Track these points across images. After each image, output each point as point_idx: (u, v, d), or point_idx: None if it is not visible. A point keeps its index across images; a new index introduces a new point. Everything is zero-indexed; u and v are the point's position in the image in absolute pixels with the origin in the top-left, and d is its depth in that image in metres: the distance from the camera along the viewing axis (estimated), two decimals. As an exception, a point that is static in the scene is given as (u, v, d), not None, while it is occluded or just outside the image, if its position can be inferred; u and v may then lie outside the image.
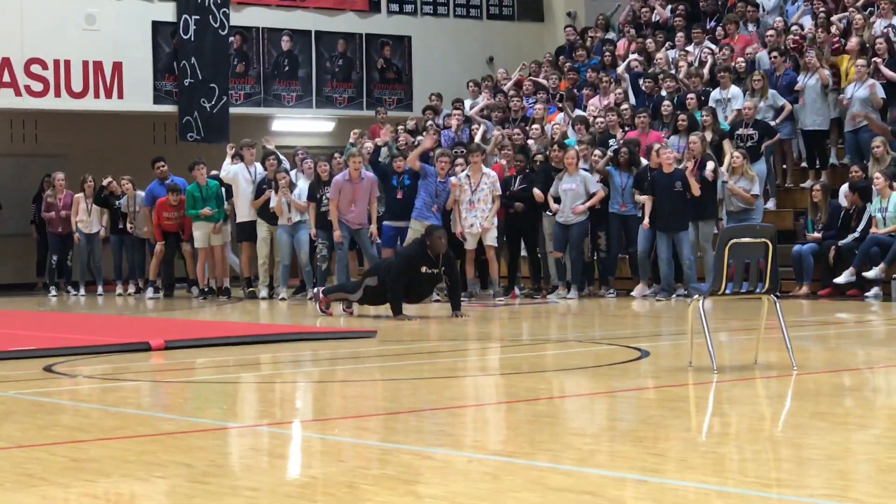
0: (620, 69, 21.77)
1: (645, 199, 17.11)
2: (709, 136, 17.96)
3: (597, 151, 18.39)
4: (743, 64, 19.77)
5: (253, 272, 20.02)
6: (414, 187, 17.95)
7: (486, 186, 17.89)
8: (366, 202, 17.66)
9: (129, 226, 21.46)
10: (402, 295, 14.45)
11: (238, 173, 19.66)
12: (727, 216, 17.40)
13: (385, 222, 18.16)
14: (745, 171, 17.21)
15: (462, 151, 19.54)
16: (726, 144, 17.97)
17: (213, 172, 20.40)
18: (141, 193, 21.43)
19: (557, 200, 18.01)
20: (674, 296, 16.85)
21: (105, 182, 21.94)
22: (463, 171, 18.23)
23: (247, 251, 19.84)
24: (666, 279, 17.12)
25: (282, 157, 20.11)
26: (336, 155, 19.81)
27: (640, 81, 21.02)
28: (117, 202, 21.68)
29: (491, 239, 17.97)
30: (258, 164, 19.75)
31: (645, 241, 17.26)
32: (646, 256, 17.48)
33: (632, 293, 17.60)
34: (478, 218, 17.85)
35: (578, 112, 20.72)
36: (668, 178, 16.89)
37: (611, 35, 24.22)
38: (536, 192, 18.06)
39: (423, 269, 14.44)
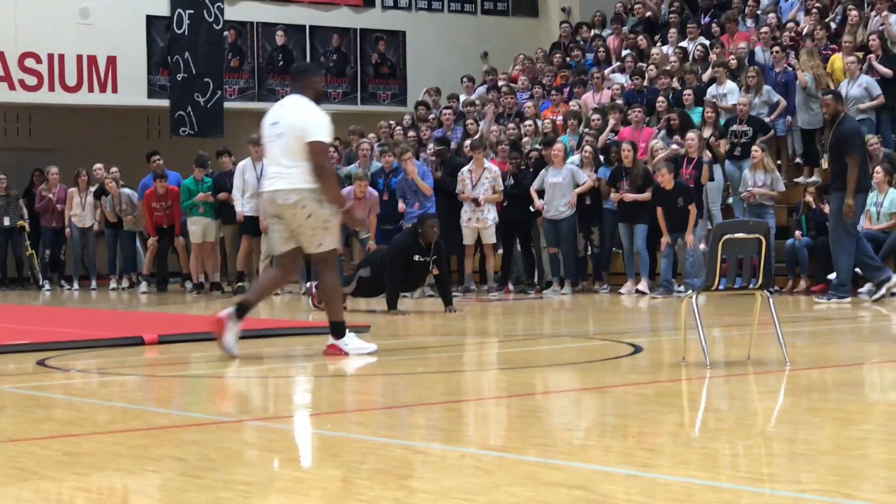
0: (608, 71, 21.74)
1: (658, 214, 16.94)
2: (708, 132, 17.95)
3: (587, 148, 18.37)
4: (738, 57, 19.76)
5: (249, 267, 20.09)
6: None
7: (486, 181, 17.92)
8: (367, 213, 17.68)
9: (124, 221, 21.47)
10: (399, 288, 14.54)
11: (245, 167, 19.65)
12: (748, 209, 17.26)
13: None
14: (766, 166, 17.17)
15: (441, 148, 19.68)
16: (722, 142, 17.97)
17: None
18: (126, 191, 21.47)
19: (542, 194, 18.02)
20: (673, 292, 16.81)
21: (99, 173, 21.91)
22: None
23: (245, 245, 19.86)
24: (665, 275, 17.10)
25: None
26: (330, 149, 19.86)
27: (627, 80, 21.07)
28: (104, 197, 21.67)
29: (489, 237, 18.01)
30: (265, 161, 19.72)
31: (641, 237, 17.27)
32: (632, 252, 17.48)
33: (621, 290, 17.56)
34: (476, 214, 17.90)
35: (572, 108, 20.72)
36: (670, 194, 16.79)
37: (604, 31, 24.23)
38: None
39: (416, 258, 14.51)
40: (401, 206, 18.09)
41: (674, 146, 17.90)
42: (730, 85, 19.17)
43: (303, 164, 9.59)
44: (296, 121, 9.65)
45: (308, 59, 25.55)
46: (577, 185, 17.85)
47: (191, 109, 23.95)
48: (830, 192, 15.13)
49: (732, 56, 19.99)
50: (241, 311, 9.83)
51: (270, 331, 12.24)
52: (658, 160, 17.30)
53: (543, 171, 18.10)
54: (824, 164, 15.52)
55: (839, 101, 15.30)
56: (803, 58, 18.94)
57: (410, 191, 17.97)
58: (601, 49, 22.85)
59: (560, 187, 17.84)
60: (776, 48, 19.66)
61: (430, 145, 19.92)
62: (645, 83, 20.63)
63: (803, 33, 20.28)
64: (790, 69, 19.26)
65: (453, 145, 20.51)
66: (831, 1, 21.09)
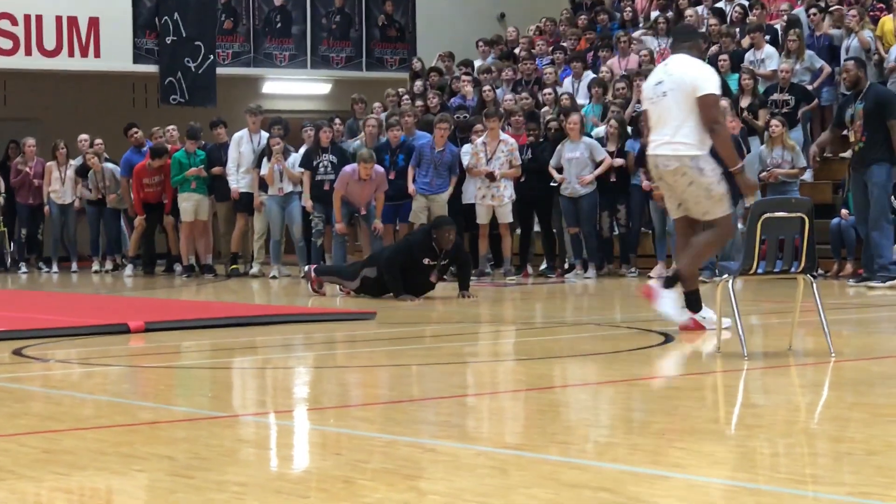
0: (638, 33, 21.72)
1: None
2: (747, 101, 17.89)
3: (613, 122, 18.29)
4: (790, 19, 19.68)
5: (244, 247, 20.12)
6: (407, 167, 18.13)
7: (502, 155, 17.81)
8: (372, 193, 17.64)
9: (108, 199, 21.46)
10: (400, 276, 14.36)
11: (241, 139, 19.64)
12: (770, 190, 17.24)
13: None
14: (785, 141, 17.10)
15: (465, 116, 19.62)
16: (762, 113, 17.90)
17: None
18: (109, 166, 21.43)
19: (560, 171, 17.95)
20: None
21: (82, 146, 21.91)
22: (479, 137, 18.20)
23: (240, 224, 19.85)
24: None
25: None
26: (336, 120, 19.87)
27: (658, 44, 21.00)
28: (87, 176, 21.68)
29: (505, 215, 17.91)
30: (263, 133, 19.67)
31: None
32: (664, 232, 17.41)
33: (650, 274, 17.56)
34: (491, 190, 17.83)
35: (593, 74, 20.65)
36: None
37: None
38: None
39: (425, 261, 14.36)
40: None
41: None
42: (768, 50, 19.11)
43: (688, 124, 9.74)
44: (685, 76, 9.87)
45: (308, 21, 25.54)
46: (596, 161, 17.78)
47: (181, 76, 23.97)
48: (865, 166, 14.90)
49: (781, 18, 19.87)
50: (671, 282, 10.02)
51: (267, 317, 12.26)
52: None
53: (560, 145, 18.00)
54: (852, 136, 15.34)
55: (861, 68, 15.22)
56: (865, 18, 18.80)
57: (434, 163, 17.90)
58: (628, 9, 22.79)
59: (577, 163, 17.76)
60: (813, 10, 19.59)
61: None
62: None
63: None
64: (832, 31, 19.19)
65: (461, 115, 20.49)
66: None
